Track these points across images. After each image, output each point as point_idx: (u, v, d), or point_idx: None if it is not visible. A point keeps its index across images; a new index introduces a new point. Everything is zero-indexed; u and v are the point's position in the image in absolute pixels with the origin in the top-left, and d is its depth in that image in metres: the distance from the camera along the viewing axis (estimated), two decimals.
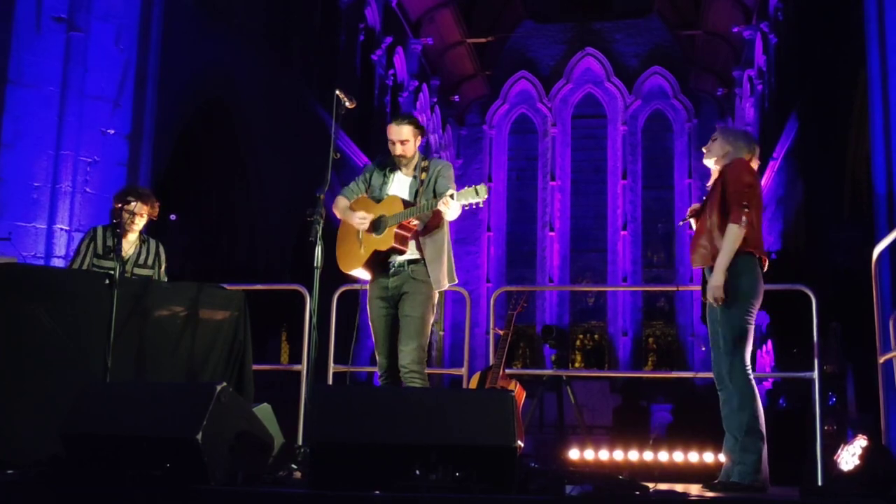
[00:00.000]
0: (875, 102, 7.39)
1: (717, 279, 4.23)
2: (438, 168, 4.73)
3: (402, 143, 4.68)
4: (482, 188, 4.36)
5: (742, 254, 4.24)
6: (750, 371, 4.22)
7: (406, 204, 4.58)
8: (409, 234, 4.58)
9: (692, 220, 4.56)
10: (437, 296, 4.69)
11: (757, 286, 4.27)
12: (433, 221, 4.63)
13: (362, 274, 4.73)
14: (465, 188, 4.38)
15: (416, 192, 4.66)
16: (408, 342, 4.58)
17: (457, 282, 4.79)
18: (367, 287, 4.77)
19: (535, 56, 24.53)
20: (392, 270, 4.64)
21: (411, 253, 4.62)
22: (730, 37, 20.42)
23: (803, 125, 14.58)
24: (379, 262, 4.65)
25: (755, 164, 4.48)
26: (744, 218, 4.21)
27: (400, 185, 4.74)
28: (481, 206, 4.50)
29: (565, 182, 23.98)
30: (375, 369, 4.76)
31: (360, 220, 4.61)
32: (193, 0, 11.23)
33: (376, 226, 4.59)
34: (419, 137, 4.73)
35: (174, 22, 9.23)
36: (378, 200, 4.70)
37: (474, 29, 23.04)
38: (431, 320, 4.67)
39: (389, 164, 4.79)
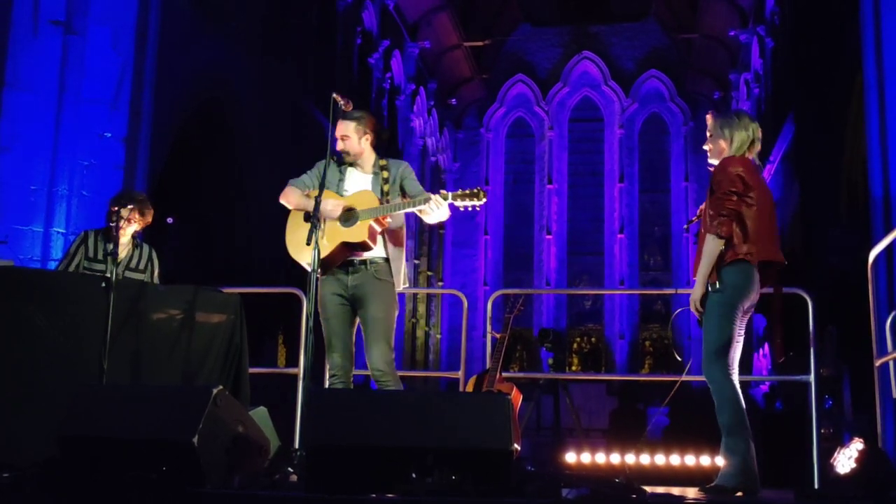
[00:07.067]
0: (871, 105, 7.41)
1: (695, 291, 4.15)
2: (401, 168, 4.73)
3: (343, 138, 4.69)
4: (481, 191, 4.41)
5: (731, 263, 4.08)
6: (730, 372, 4.07)
7: (380, 201, 4.55)
8: (380, 231, 4.55)
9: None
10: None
11: (741, 295, 4.09)
12: (396, 223, 4.64)
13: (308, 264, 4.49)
14: (462, 190, 4.43)
15: (382, 189, 4.63)
16: (378, 344, 4.53)
17: (408, 285, 4.76)
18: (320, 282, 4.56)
19: (533, 59, 24.54)
20: (353, 268, 4.58)
21: (374, 251, 4.56)
22: (726, 40, 20.45)
23: (799, 128, 14.59)
24: (341, 256, 4.55)
25: (757, 147, 4.25)
26: (724, 228, 4.03)
27: (359, 182, 4.70)
28: (478, 209, 4.50)
29: (562, 185, 24.00)
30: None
31: (333, 207, 4.53)
32: (190, 3, 11.23)
33: (345, 218, 4.53)
34: (367, 135, 4.70)
35: (171, 25, 9.23)
36: (338, 195, 4.64)
37: (471, 32, 23.05)
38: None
39: (344, 160, 4.77)
